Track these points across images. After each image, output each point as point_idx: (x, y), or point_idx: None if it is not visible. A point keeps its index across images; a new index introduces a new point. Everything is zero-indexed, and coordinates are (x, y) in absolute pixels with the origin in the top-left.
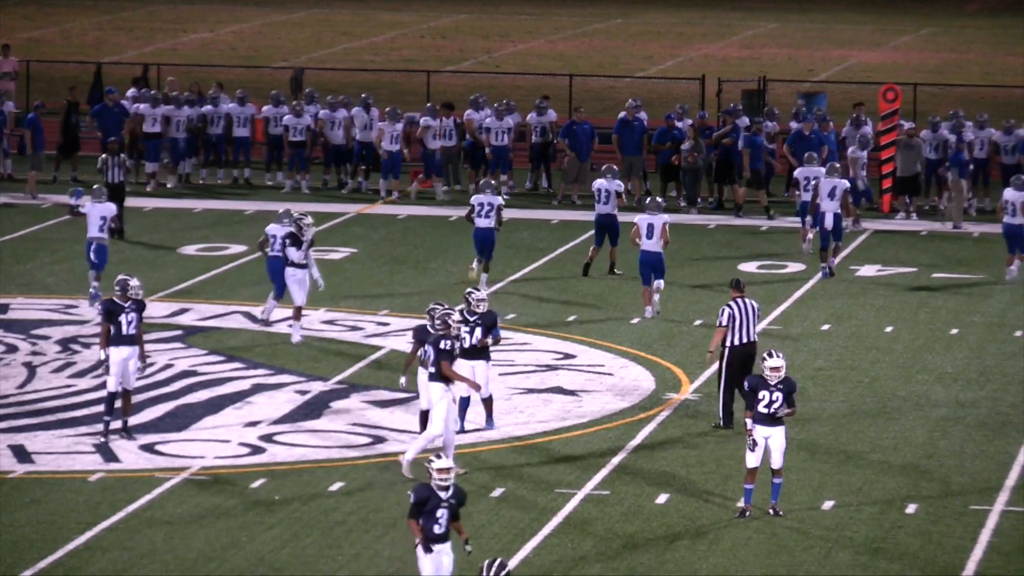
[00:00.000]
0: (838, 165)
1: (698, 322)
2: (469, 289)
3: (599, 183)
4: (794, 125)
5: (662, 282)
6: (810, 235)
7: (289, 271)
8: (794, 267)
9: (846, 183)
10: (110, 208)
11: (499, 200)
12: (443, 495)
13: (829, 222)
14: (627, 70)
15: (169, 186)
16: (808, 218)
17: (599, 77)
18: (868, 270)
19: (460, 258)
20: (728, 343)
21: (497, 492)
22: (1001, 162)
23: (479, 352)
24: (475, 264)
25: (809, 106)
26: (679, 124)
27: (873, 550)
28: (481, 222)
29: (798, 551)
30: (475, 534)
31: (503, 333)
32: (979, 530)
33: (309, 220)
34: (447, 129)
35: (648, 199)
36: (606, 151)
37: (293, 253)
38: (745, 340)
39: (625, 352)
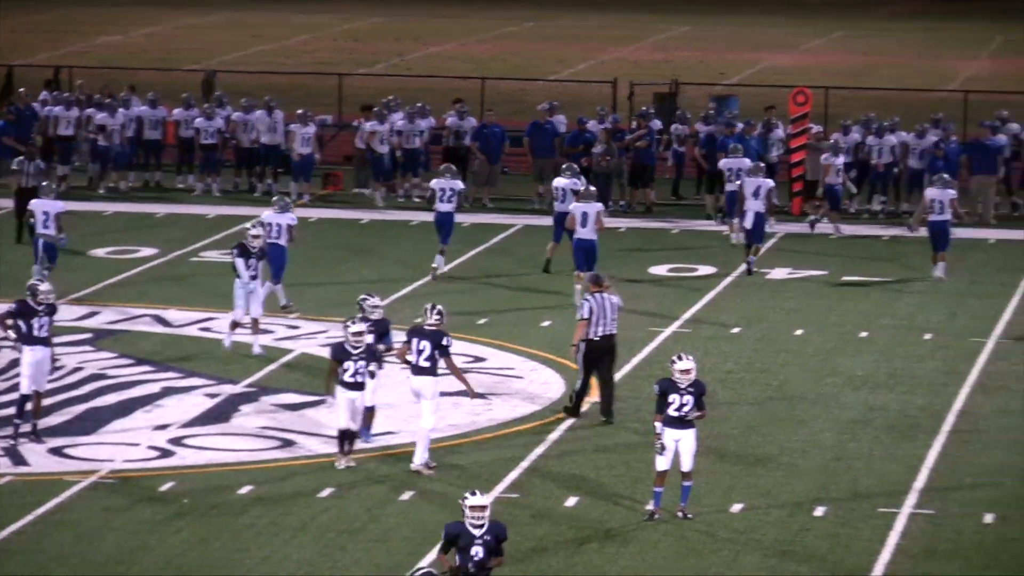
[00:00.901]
0: (763, 165)
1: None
2: (363, 296)
3: (559, 181)
4: (702, 127)
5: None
6: (736, 226)
7: (238, 282)
8: (705, 269)
9: (771, 183)
10: (56, 205)
11: (460, 185)
12: (477, 532)
13: (749, 221)
14: (539, 73)
15: (122, 188)
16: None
17: (511, 80)
18: (779, 273)
19: (372, 260)
20: (587, 336)
21: (407, 495)
22: (910, 166)
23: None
24: (439, 257)
25: (721, 109)
26: (590, 127)
27: (781, 552)
28: (442, 206)
29: (707, 554)
30: (384, 537)
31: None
32: (887, 532)
33: (256, 231)
34: (364, 132)
35: (583, 188)
36: (518, 154)
37: (241, 265)
38: (603, 333)
39: (535, 355)
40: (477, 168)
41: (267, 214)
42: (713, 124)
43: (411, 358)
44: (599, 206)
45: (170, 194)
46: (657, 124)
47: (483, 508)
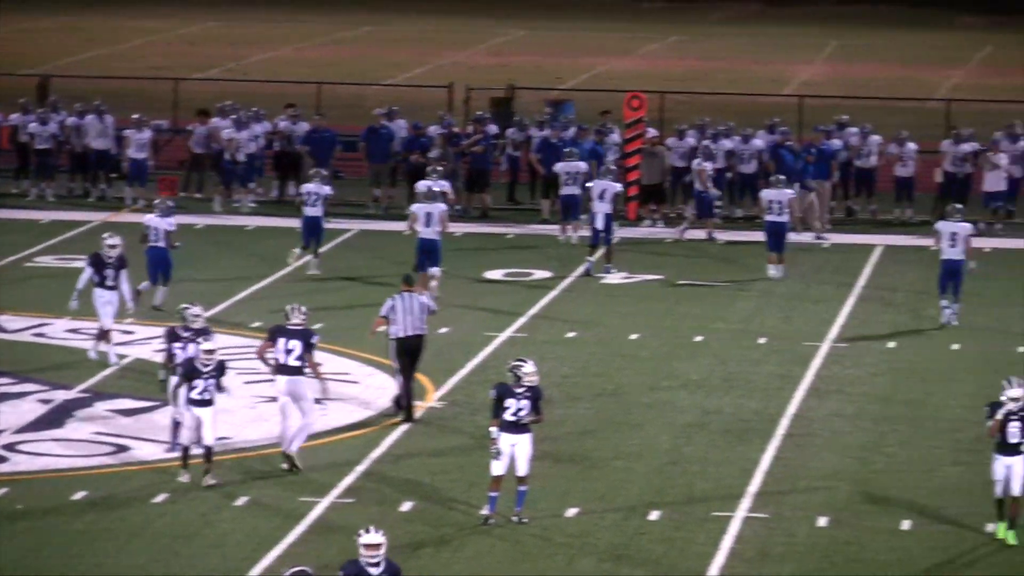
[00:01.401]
0: (613, 168)
1: (443, 330)
2: (184, 305)
3: (424, 183)
4: (536, 132)
5: (438, 270)
6: (570, 229)
7: (97, 292)
8: (540, 274)
9: (618, 186)
10: None
11: (327, 189)
12: (374, 572)
13: (600, 223)
14: (376, 77)
15: None
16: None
17: (348, 85)
18: (614, 277)
19: (207, 265)
20: (394, 335)
21: (241, 500)
22: (738, 171)
23: None
24: (298, 250)
25: (556, 114)
26: (431, 131)
27: (616, 556)
28: (309, 210)
29: (542, 558)
30: (219, 542)
31: (246, 340)
32: (721, 536)
33: (113, 241)
34: (200, 137)
35: (425, 189)
36: (355, 159)
37: (87, 276)
38: (409, 333)
39: (371, 360)
40: (310, 173)
41: (148, 217)
42: (549, 129)
43: (279, 357)
44: (443, 206)
45: (4, 199)
46: (493, 129)
47: (378, 546)
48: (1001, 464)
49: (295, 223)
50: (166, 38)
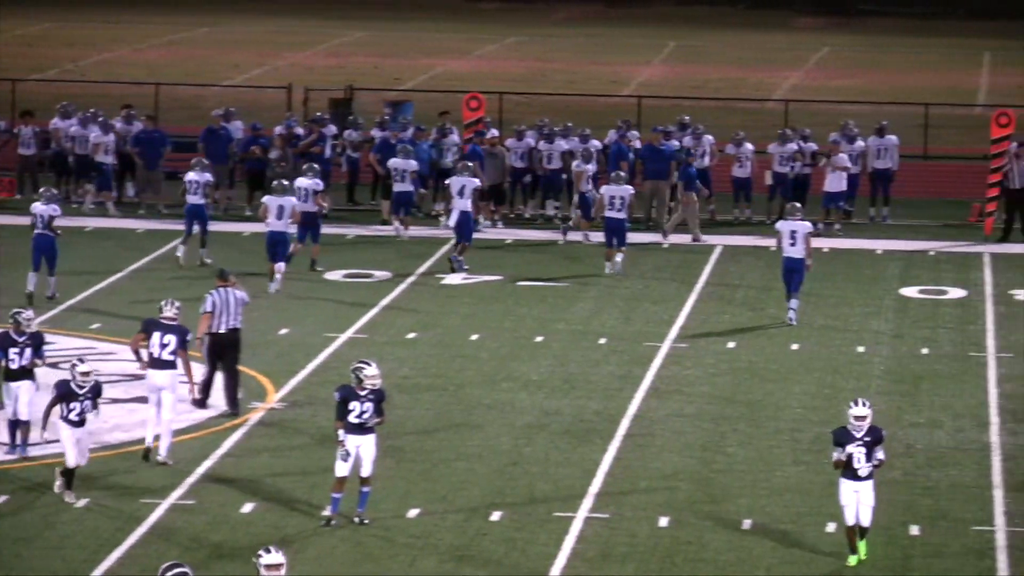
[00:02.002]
0: (471, 164)
1: (284, 331)
2: (16, 309)
3: (301, 182)
4: (377, 133)
5: (283, 265)
6: (399, 225)
7: None
8: (380, 275)
9: (476, 182)
10: None
11: (209, 177)
12: None
13: (454, 219)
14: (214, 78)
15: None
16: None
17: (186, 86)
18: (454, 278)
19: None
20: (211, 329)
21: (82, 502)
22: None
23: (26, 373)
24: (181, 246)
25: (395, 115)
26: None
27: (458, 557)
28: (192, 199)
29: (384, 559)
30: (59, 544)
31: (88, 343)
32: (563, 536)
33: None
34: (26, 137)
35: (275, 183)
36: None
37: None
38: (228, 327)
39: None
40: (138, 174)
41: (35, 205)
42: (388, 130)
43: (153, 351)
44: (294, 200)
45: None
46: (332, 129)
47: (279, 566)
48: (849, 489)
49: (135, 224)
50: (3, 39)
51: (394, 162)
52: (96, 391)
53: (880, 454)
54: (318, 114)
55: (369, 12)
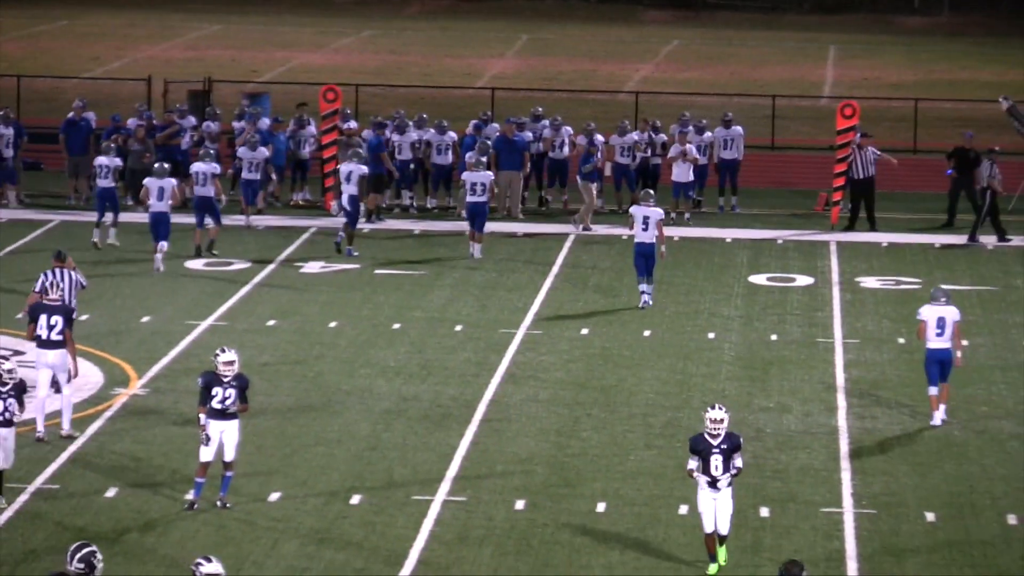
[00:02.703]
0: (363, 152)
1: (145, 319)
2: None
3: (197, 167)
4: (236, 124)
5: (165, 243)
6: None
7: None
8: (240, 264)
9: (364, 169)
10: None
11: (119, 162)
12: None
13: (346, 203)
14: (74, 71)
15: None
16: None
17: (46, 78)
18: (312, 266)
19: None
20: None
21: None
22: (434, 162)
23: None
24: (95, 230)
25: (253, 106)
26: (130, 123)
27: (319, 540)
28: (103, 183)
29: (245, 542)
30: None
31: None
32: (421, 519)
33: None
34: None
35: (157, 165)
36: (56, 151)
37: None
38: None
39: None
40: None
41: None
42: (245, 121)
43: (41, 333)
44: (174, 181)
45: None
46: (191, 121)
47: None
48: (707, 497)
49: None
50: None
51: (242, 152)
52: (21, 388)
53: (738, 461)
54: (178, 106)
55: (226, 6)
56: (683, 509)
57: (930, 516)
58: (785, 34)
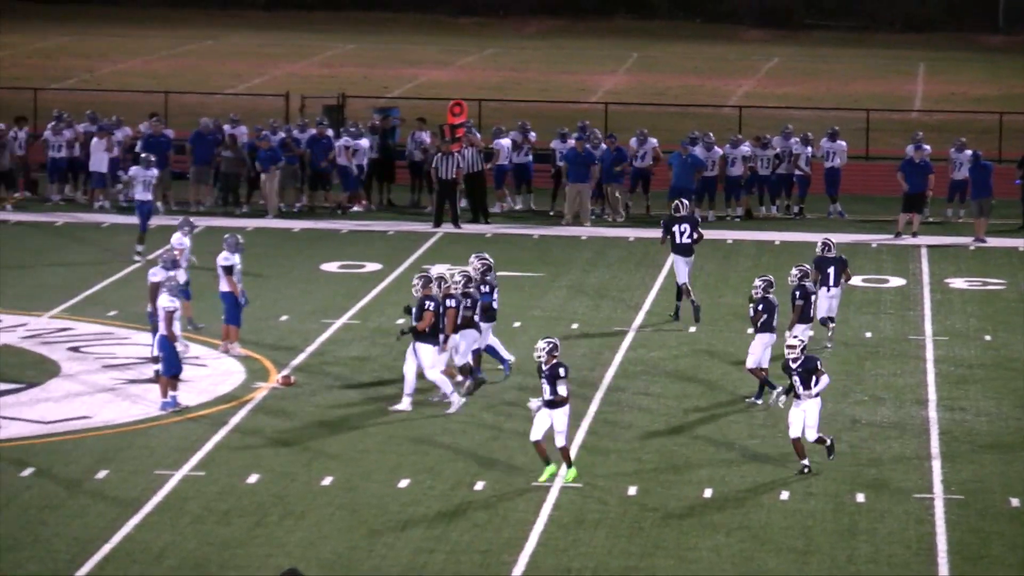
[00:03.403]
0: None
1: (283, 318)
2: None
3: (136, 171)
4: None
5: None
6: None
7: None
8: (372, 267)
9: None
10: None
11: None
12: None
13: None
14: (217, 87)
15: None
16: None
17: (192, 94)
18: (439, 268)
19: (62, 259)
20: None
21: (101, 474)
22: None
23: None
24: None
25: (384, 117)
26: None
27: (446, 523)
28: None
29: (376, 525)
30: (80, 513)
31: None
32: (541, 504)
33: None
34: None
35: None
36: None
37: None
38: None
39: (217, 345)
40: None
41: None
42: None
43: None
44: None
45: None
46: (329, 133)
47: None
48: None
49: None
50: (24, 51)
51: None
52: None
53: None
54: (317, 119)
55: (358, 27)
56: (784, 495)
57: (1015, 502)
58: (876, 51)
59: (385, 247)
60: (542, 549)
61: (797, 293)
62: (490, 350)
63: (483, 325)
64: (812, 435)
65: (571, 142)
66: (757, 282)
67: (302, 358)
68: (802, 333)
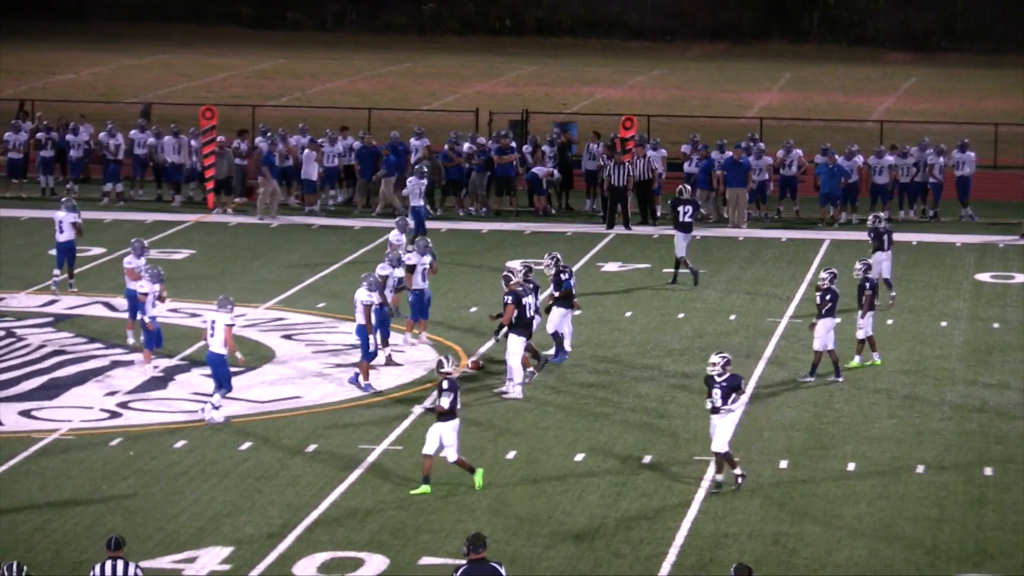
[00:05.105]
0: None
1: (473, 309)
2: None
3: (412, 182)
4: (548, 148)
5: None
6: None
7: None
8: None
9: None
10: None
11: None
12: None
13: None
14: (415, 104)
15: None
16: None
17: (392, 110)
18: (611, 266)
19: (277, 257)
20: None
21: (311, 448)
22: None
23: None
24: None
25: (561, 132)
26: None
27: (616, 493)
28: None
29: (556, 494)
30: (292, 482)
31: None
32: (701, 476)
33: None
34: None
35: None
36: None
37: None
38: None
39: (416, 334)
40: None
41: (59, 213)
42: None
43: None
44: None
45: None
46: (512, 144)
47: None
48: (435, 430)
49: (350, 222)
50: (244, 73)
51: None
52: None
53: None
54: (502, 131)
55: (541, 51)
56: (920, 469)
57: None
58: (1006, 72)
59: (564, 246)
60: (702, 516)
61: (866, 285)
62: (556, 336)
63: (561, 310)
64: (720, 447)
65: (728, 153)
66: (824, 274)
67: (490, 344)
68: (866, 323)
